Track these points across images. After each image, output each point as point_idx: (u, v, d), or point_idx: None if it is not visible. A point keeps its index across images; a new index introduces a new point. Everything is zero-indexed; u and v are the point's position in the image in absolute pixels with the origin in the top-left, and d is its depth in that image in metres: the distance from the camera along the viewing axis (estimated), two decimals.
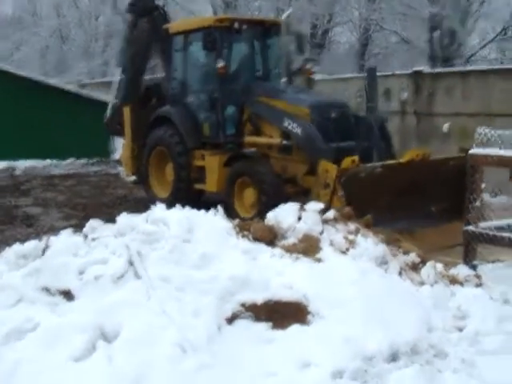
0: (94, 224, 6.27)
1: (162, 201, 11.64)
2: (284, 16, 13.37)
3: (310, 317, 5.50)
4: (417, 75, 17.99)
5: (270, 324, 5.45)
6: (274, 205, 8.36)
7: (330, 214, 6.94)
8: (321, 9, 31.30)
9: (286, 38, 14.01)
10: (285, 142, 11.75)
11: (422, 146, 15.25)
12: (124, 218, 6.24)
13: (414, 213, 9.66)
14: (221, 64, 12.58)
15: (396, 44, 32.78)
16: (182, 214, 6.30)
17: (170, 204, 11.78)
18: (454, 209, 9.51)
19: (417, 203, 9.88)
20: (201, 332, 5.04)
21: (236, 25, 13.07)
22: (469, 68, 20.41)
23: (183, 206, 7.19)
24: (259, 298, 5.55)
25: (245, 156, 12.17)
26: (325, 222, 6.77)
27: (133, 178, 15.55)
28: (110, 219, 6.61)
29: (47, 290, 5.68)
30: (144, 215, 6.27)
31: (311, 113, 11.56)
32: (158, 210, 6.43)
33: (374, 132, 11.78)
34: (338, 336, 5.19)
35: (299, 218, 6.69)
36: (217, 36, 12.80)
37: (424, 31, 27.30)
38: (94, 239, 6.07)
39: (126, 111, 15.29)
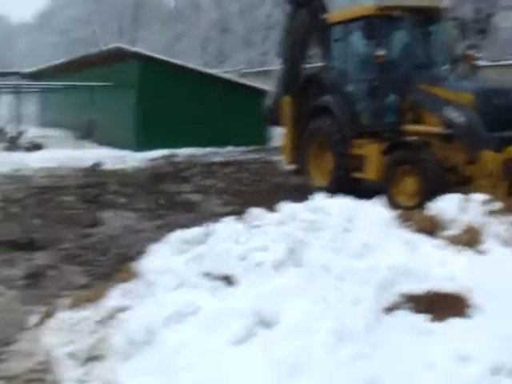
0: (254, 212, 6.34)
1: (321, 189, 11.50)
2: (445, 1, 12.87)
3: (470, 310, 5.33)
4: None
5: (430, 316, 5.32)
6: (437, 193, 8.34)
7: (495, 205, 6.70)
8: None
9: (447, 24, 13.65)
10: (447, 130, 11.41)
11: None
12: (285, 207, 6.27)
13: None
14: (380, 53, 12.41)
15: None
16: (343, 204, 6.27)
17: (329, 192, 11.99)
18: None
19: None
20: (359, 321, 4.99)
21: (396, 13, 12.85)
22: None
23: (343, 194, 7.39)
24: (419, 288, 5.45)
25: (406, 144, 11.92)
26: (489, 213, 6.54)
27: (292, 166, 15.65)
28: (269, 207, 6.66)
29: (209, 274, 5.79)
30: (304, 204, 6.27)
31: (475, 99, 11.13)
32: (319, 199, 6.42)
33: None
34: (498, 331, 5.00)
35: (462, 209, 6.50)
36: (377, 25, 12.71)
37: None
38: (255, 226, 6.14)
39: (286, 101, 15.35)
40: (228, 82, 25.24)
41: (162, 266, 6.01)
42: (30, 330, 6.43)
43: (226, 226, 6.25)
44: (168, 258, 6.15)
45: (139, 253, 8.24)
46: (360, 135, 13.26)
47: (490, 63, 20.89)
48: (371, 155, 12.77)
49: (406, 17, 13.03)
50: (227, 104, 23.54)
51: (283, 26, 16.57)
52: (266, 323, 5.10)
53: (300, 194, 10.43)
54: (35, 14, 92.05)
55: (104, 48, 28.22)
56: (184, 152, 22.39)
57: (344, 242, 5.76)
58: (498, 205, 6.77)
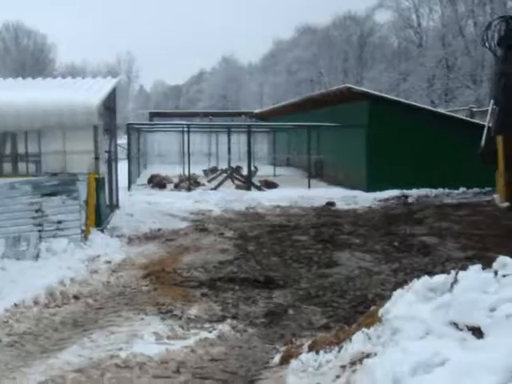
0: (504, 260, 6.11)
1: None
2: None
3: None
4: None
5: None
6: None
7: None
8: None
9: None
10: None
11: None
12: None
13: None
14: None
15: None
16: None
17: None
18: None
19: None
20: None
21: None
22: None
23: None
24: None
25: None
26: None
27: (507, 204, 15.94)
28: (510, 253, 6.42)
29: (455, 324, 5.65)
30: None
31: None
32: None
33: None
34: None
35: None
36: None
37: None
38: (504, 276, 5.91)
39: (500, 140, 15.72)
40: (459, 121, 24.78)
41: (407, 313, 5.93)
42: (273, 369, 6.59)
43: (474, 275, 6.06)
44: (413, 304, 6.06)
45: (377, 296, 8.25)
46: None
47: None
48: None
49: None
50: (458, 144, 23.11)
51: (495, 68, 17.15)
52: None
53: None
54: (261, 55, 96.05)
55: (332, 88, 28.73)
56: (415, 193, 22.21)
57: None
58: None
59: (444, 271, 6.58)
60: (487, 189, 23.13)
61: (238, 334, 8.07)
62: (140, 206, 19.26)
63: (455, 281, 6.10)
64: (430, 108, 26.71)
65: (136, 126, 32.77)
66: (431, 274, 6.36)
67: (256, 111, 42.95)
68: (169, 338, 7.74)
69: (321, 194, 22.22)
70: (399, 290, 6.49)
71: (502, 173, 15.84)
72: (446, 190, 22.74)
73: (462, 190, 23.03)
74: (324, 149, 28.95)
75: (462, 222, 16.81)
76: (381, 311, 6.25)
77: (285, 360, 6.57)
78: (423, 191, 22.43)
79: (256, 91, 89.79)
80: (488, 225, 16.34)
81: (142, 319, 8.49)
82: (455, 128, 23.70)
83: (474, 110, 34.08)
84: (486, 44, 16.56)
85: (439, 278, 6.22)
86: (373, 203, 20.56)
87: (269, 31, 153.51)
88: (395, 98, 26.13)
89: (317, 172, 28.88)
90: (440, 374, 5.10)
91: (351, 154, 25.25)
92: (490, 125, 16.19)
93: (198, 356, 7.06)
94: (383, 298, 6.59)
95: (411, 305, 6.06)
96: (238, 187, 25.02)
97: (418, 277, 6.37)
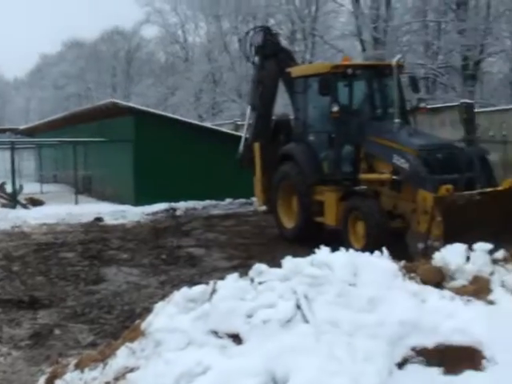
0: (259, 267, 6.31)
1: (289, 231, 15.05)
2: (395, 60, 13.83)
3: (484, 362, 5.30)
4: None
5: (442, 369, 5.29)
6: (379, 237, 11.40)
7: (500, 253, 6.72)
8: (471, 40, 30.90)
9: (399, 80, 14.32)
10: (394, 177, 12.53)
11: None
12: (289, 262, 6.24)
13: None
14: (335, 109, 13.51)
15: None
16: (347, 257, 6.24)
17: (294, 235, 14.57)
18: None
19: None
20: (373, 378, 4.94)
21: (350, 71, 14.07)
22: None
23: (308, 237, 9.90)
24: (430, 342, 5.42)
25: (357, 192, 13.16)
26: (494, 262, 6.56)
27: (264, 208, 16.90)
28: (272, 261, 6.66)
29: (215, 333, 5.75)
30: (308, 259, 6.25)
31: (420, 153, 12.18)
32: (322, 253, 6.39)
33: (475, 164, 12.24)
34: None
35: (467, 259, 6.51)
36: (332, 82, 13.90)
37: None
38: (260, 283, 6.11)
39: (257, 147, 16.53)
40: (224, 134, 25.35)
41: (169, 325, 5.96)
42: None
43: (231, 284, 6.21)
44: (174, 316, 6.10)
45: (145, 309, 8.26)
46: (323, 182, 14.28)
47: (479, 110, 21.17)
48: (330, 202, 13.90)
49: (359, 74, 14.58)
50: (224, 156, 23.61)
51: (252, 76, 17.86)
52: (277, 382, 5.04)
53: (301, 246, 10.54)
54: (28, 70, 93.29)
55: (98, 103, 28.40)
56: (183, 205, 22.41)
57: (350, 297, 5.73)
58: (502, 253, 6.80)
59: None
60: (252, 199, 23.88)
61: (2, 358, 7.82)
62: None
63: (214, 290, 6.21)
64: (196, 122, 27.15)
65: None
66: (198, 284, 6.44)
67: (22, 127, 41.52)
68: None
69: (89, 209, 21.86)
70: (160, 303, 6.53)
71: (260, 178, 16.62)
72: (214, 202, 23.14)
73: (228, 201, 23.53)
74: (92, 164, 28.52)
75: (228, 233, 17.20)
76: (143, 325, 6.24)
77: (49, 381, 6.37)
78: (191, 203, 22.68)
79: (22, 107, 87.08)
80: (253, 234, 16.86)
81: None
82: (221, 141, 24.19)
83: (239, 123, 35.09)
84: (244, 50, 17.23)
85: (198, 289, 6.32)
86: (141, 217, 20.54)
87: (36, 47, 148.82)
88: (161, 113, 26.29)
89: (85, 188, 28.38)
90: (203, 382, 5.17)
91: (119, 168, 25.04)
92: (248, 133, 17.16)
93: None
94: (150, 311, 6.58)
95: (172, 316, 6.09)
96: (3, 205, 24.01)
97: (188, 288, 6.44)
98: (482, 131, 19.63)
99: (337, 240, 12.01)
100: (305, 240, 13.64)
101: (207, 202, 23.06)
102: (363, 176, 13.52)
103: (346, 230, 13.07)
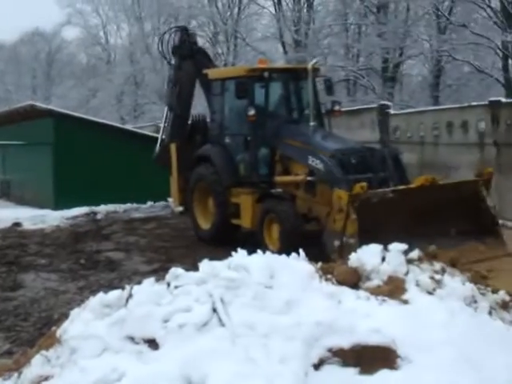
0: (175, 271, 6.26)
1: (205, 232, 15.03)
2: (312, 63, 14.08)
3: (398, 361, 5.37)
4: (494, 105, 17.54)
5: (358, 369, 5.34)
6: (293, 239, 11.63)
7: (415, 253, 6.83)
8: (391, 43, 31.41)
9: (315, 83, 14.43)
10: (309, 178, 12.68)
11: (504, 178, 15.23)
12: (206, 265, 6.22)
13: (429, 233, 10.29)
14: (251, 112, 13.53)
15: (469, 74, 32.53)
16: (264, 260, 6.25)
17: (211, 236, 14.62)
18: (468, 230, 11.13)
19: (430, 225, 10.69)
20: (288, 379, 4.96)
21: (266, 74, 14.20)
22: None
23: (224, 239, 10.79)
24: (346, 342, 5.46)
25: (272, 195, 13.23)
26: (409, 262, 6.65)
27: (180, 208, 16.95)
28: (191, 263, 6.62)
29: (132, 338, 5.68)
30: (225, 262, 6.24)
31: (334, 156, 12.32)
32: (239, 256, 6.39)
33: (388, 164, 12.50)
34: (427, 382, 5.05)
35: (383, 259, 6.58)
36: (248, 85, 13.91)
37: (497, 60, 27.00)
38: (176, 287, 6.06)
39: (173, 148, 16.55)
40: (144, 136, 25.08)
41: (84, 332, 5.86)
42: None
43: (147, 288, 6.15)
44: (90, 322, 6.00)
45: (62, 316, 8.10)
46: (239, 184, 14.29)
47: (397, 111, 21.50)
48: (246, 204, 13.93)
49: (275, 77, 14.69)
50: (145, 159, 23.38)
51: (169, 76, 17.87)
52: None
53: (222, 249, 10.53)
54: None
55: (17, 106, 27.78)
56: (104, 209, 22.07)
57: (267, 299, 5.73)
58: (416, 253, 6.91)
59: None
60: (169, 200, 23.72)
61: None
62: None
63: (130, 295, 6.14)
64: (117, 125, 26.81)
65: None
66: (117, 289, 6.35)
67: None
68: None
69: (7, 214, 21.32)
70: (76, 309, 6.42)
71: (176, 179, 16.61)
72: (135, 205, 22.83)
73: (149, 204, 23.27)
74: (11, 168, 27.90)
75: (148, 236, 17.02)
76: (59, 332, 6.13)
77: None
78: (112, 207, 22.32)
79: None
80: (174, 237, 16.71)
81: None
82: (142, 144, 23.89)
83: (160, 125, 34.85)
84: (161, 51, 17.17)
85: (114, 294, 6.23)
86: (61, 221, 20.13)
87: None
88: (81, 115, 25.83)
89: (3, 192, 27.78)
90: None
91: (39, 172, 24.51)
92: (164, 133, 17.26)
93: None
94: (68, 317, 6.46)
95: (88, 323, 6.00)
96: None
97: (105, 293, 6.34)
98: (400, 132, 19.97)
99: (253, 241, 12.32)
100: (221, 241, 13.75)
101: (128, 206, 22.74)
102: (278, 178, 13.62)
103: (261, 233, 13.15)
